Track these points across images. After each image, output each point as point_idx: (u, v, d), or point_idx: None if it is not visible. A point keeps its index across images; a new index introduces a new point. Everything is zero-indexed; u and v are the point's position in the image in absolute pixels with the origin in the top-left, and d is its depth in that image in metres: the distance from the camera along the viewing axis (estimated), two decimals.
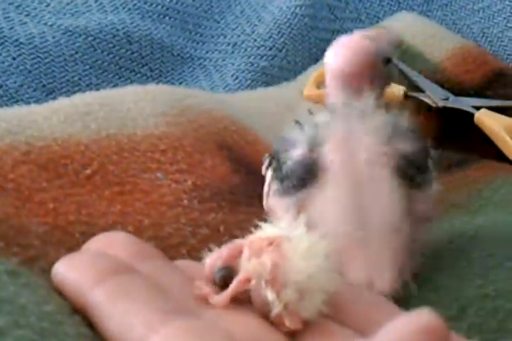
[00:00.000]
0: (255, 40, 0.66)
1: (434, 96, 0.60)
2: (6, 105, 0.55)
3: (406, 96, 0.59)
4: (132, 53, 0.64)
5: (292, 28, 0.66)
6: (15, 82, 0.58)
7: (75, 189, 0.39)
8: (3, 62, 0.59)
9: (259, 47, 0.65)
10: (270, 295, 0.26)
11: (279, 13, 0.67)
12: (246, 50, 0.66)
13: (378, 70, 0.37)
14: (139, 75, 0.64)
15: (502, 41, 0.69)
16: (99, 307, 0.27)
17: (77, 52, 0.62)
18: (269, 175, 0.37)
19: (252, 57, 0.65)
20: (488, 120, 0.58)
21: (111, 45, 0.63)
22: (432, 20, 0.70)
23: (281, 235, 0.27)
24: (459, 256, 0.38)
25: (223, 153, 0.46)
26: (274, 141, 0.37)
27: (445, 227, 0.42)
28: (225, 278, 0.28)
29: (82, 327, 0.27)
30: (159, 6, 0.67)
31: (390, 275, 0.33)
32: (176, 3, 0.68)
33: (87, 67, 0.62)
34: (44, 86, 0.59)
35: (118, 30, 0.64)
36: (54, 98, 0.48)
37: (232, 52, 0.67)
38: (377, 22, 0.71)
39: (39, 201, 0.37)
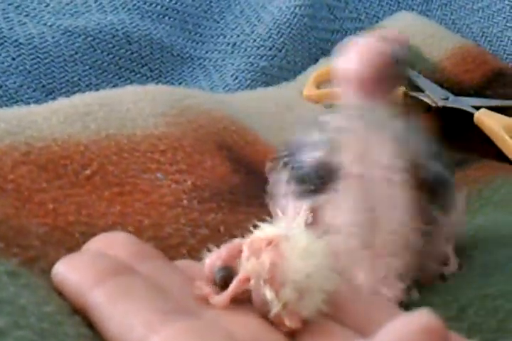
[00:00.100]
0: (255, 40, 0.66)
1: (434, 95, 0.60)
2: (6, 105, 0.55)
3: (405, 95, 0.59)
4: (132, 53, 0.64)
5: (292, 28, 0.66)
6: (14, 83, 0.58)
7: (75, 189, 0.39)
8: (3, 63, 0.59)
9: (258, 47, 0.65)
10: (269, 294, 0.26)
11: (279, 13, 0.67)
12: (246, 50, 0.66)
13: (392, 72, 0.36)
14: (138, 75, 0.64)
15: (501, 41, 0.69)
16: (99, 308, 0.27)
17: (76, 53, 0.62)
18: (280, 175, 0.37)
19: (252, 57, 0.65)
20: (487, 120, 0.58)
21: (110, 46, 0.63)
22: (431, 20, 0.70)
23: (280, 235, 0.27)
24: (459, 256, 0.38)
25: (223, 153, 0.46)
26: (289, 141, 0.37)
27: None
28: (225, 278, 0.28)
29: (82, 327, 0.27)
30: (159, 6, 0.67)
31: (395, 284, 0.33)
32: (176, 3, 0.68)
33: (87, 67, 0.62)
34: (44, 86, 0.59)
35: (117, 30, 0.64)
36: (53, 98, 0.48)
37: (232, 52, 0.67)
38: (377, 22, 0.71)
39: (39, 201, 0.37)
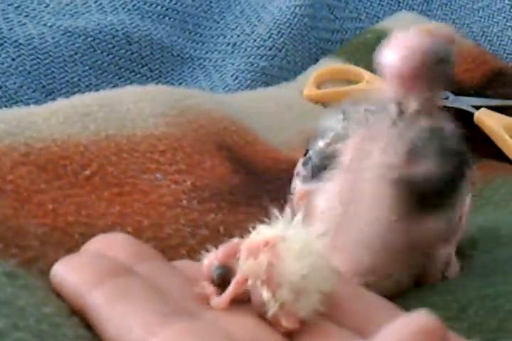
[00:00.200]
0: (255, 40, 0.66)
1: None
2: (5, 106, 0.55)
3: None
4: (132, 54, 0.64)
5: (292, 28, 0.66)
6: (14, 83, 0.58)
7: (74, 190, 0.39)
8: (3, 63, 0.59)
9: (258, 47, 0.65)
10: (266, 295, 0.26)
11: (279, 13, 0.67)
12: (246, 50, 0.66)
13: (433, 71, 0.35)
14: (138, 76, 0.64)
15: (502, 40, 0.69)
16: (97, 309, 0.27)
17: (76, 53, 0.62)
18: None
19: (252, 57, 0.65)
20: (487, 119, 0.58)
21: (110, 46, 0.63)
22: (431, 20, 0.70)
23: (278, 235, 0.27)
24: (459, 255, 0.37)
25: (223, 154, 0.46)
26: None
27: None
28: (222, 276, 0.28)
29: (80, 329, 0.27)
30: (159, 7, 0.67)
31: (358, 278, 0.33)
32: (176, 3, 0.68)
33: (87, 67, 0.62)
34: (43, 87, 0.59)
35: (117, 30, 0.64)
36: (53, 99, 0.48)
37: (232, 53, 0.66)
38: (377, 21, 0.70)
39: (38, 202, 0.37)
